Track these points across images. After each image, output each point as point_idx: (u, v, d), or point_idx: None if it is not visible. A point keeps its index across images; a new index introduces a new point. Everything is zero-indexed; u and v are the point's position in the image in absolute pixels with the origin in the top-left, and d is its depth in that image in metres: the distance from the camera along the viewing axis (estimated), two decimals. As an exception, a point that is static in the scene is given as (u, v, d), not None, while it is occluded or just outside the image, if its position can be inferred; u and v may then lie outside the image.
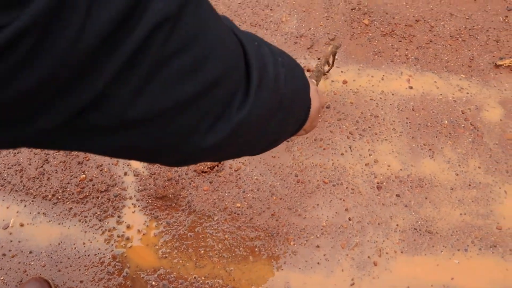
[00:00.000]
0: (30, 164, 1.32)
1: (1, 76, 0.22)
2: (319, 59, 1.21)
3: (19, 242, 1.23)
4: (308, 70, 1.45)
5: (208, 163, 1.30)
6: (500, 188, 1.28)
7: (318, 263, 1.18)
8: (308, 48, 1.51)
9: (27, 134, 0.28)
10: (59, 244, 1.22)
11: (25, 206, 1.27)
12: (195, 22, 0.31)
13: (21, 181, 1.30)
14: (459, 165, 1.31)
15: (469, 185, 1.28)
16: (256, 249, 1.20)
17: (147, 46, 0.28)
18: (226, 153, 0.46)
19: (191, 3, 0.31)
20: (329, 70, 1.40)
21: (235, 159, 1.32)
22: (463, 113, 1.40)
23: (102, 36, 0.25)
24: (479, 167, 1.31)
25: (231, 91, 0.38)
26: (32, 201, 1.27)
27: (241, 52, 0.40)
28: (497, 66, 1.49)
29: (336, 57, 1.44)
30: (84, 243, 1.22)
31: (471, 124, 1.38)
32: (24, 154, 1.34)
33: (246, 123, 0.40)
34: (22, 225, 1.25)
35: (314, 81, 1.03)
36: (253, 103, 0.40)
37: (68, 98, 0.26)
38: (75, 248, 1.22)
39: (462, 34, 1.56)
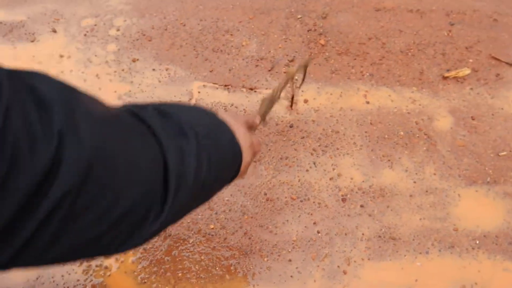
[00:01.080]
0: (2, 201, 1.33)
1: None
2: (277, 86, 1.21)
3: (-5, 280, 1.24)
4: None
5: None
6: (454, 192, 1.38)
7: (291, 276, 1.24)
8: (269, 70, 1.58)
9: None
10: (37, 279, 1.24)
11: (-1, 243, 1.28)
12: (101, 182, 0.36)
13: (-5, 219, 1.31)
14: (416, 173, 1.41)
15: (426, 191, 1.38)
16: (231, 268, 1.25)
17: (55, 213, 0.33)
18: (156, 235, 0.50)
19: (95, 168, 0.35)
20: (302, 81, 1.44)
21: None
22: (417, 124, 1.50)
23: (9, 219, 0.31)
24: (435, 174, 1.41)
25: (143, 213, 0.42)
26: (7, 237, 1.28)
27: (160, 163, 0.43)
28: (444, 77, 1.61)
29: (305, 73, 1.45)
30: (62, 276, 1.24)
31: (424, 134, 1.48)
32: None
33: (161, 226, 0.45)
34: (-2, 262, 1.25)
35: (258, 118, 0.93)
36: (168, 213, 0.44)
37: None
38: (53, 281, 1.24)
39: (411, 49, 1.68)
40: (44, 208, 0.32)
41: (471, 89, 1.59)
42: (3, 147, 0.29)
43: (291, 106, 1.49)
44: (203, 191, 0.52)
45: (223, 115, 0.63)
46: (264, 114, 0.98)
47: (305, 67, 1.35)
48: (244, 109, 1.49)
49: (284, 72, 1.58)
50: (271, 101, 1.04)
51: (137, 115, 0.46)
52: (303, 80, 1.44)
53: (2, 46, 1.62)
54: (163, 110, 0.50)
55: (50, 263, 0.38)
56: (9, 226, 0.31)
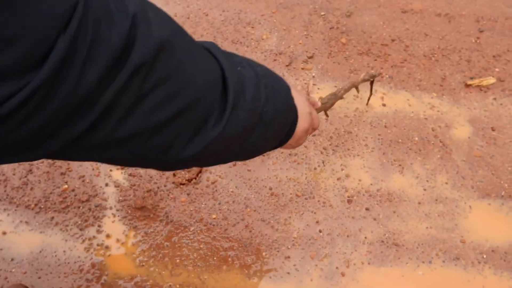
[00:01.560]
0: (14, 174, 1.37)
1: (21, 118, 0.32)
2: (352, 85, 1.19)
3: (1, 249, 1.27)
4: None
5: (186, 175, 1.35)
6: (465, 203, 1.34)
7: (288, 273, 1.23)
8: (287, 66, 1.57)
9: (44, 153, 0.37)
10: (40, 252, 1.27)
11: (8, 214, 1.32)
12: (168, 66, 0.40)
13: (5, 191, 1.35)
14: (427, 181, 1.37)
15: (436, 200, 1.34)
16: (229, 259, 1.25)
17: (128, 87, 0.37)
18: (209, 160, 0.54)
19: (163, 53, 0.39)
20: (368, 98, 1.45)
21: (219, 165, 1.37)
22: (433, 130, 1.46)
23: (93, 84, 0.34)
24: (446, 183, 1.37)
25: (205, 113, 0.46)
26: (15, 210, 1.32)
27: (219, 79, 0.48)
28: (467, 85, 1.56)
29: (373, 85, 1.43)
30: (64, 251, 1.27)
31: (440, 141, 1.44)
32: (8, 164, 1.39)
33: (221, 137, 0.48)
34: (4, 233, 1.29)
35: (319, 103, 0.94)
36: (227, 122, 0.47)
37: (69, 128, 0.36)
38: (55, 256, 1.26)
39: (435, 54, 1.63)
40: (120, 79, 0.36)
41: (495, 99, 1.54)
42: (86, 22, 0.33)
43: (368, 100, 1.47)
44: (259, 126, 0.53)
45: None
46: (325, 105, 1.00)
47: (372, 80, 1.30)
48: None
49: (302, 68, 1.57)
50: (334, 96, 1.05)
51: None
52: (369, 96, 1.42)
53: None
54: (225, 50, 0.54)
55: (118, 147, 0.41)
56: (91, 94, 0.35)
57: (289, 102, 0.60)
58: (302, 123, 0.64)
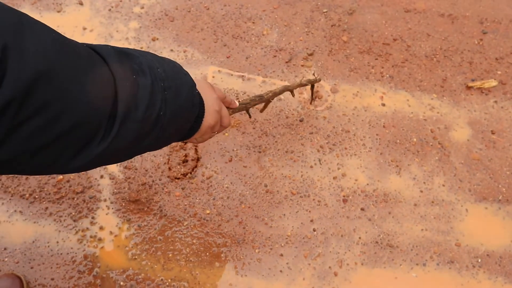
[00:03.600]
0: (9, 163, 1.37)
1: None
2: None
3: (-6, 238, 1.27)
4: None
5: (181, 170, 1.34)
6: (462, 206, 1.33)
7: (280, 271, 1.22)
8: (286, 62, 1.56)
9: None
10: (33, 242, 1.27)
11: (2, 204, 1.31)
12: (45, 95, 0.39)
13: (0, 180, 1.34)
14: (424, 182, 1.36)
15: (432, 202, 1.33)
16: (222, 255, 1.24)
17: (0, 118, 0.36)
18: (104, 164, 0.54)
19: (39, 83, 0.38)
20: (310, 101, 1.44)
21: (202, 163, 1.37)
22: (432, 132, 1.45)
23: None
24: (443, 185, 1.36)
25: (89, 133, 0.46)
26: (10, 199, 1.32)
27: (109, 95, 0.47)
28: (468, 87, 1.54)
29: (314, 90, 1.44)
30: (57, 242, 1.27)
31: (439, 143, 1.43)
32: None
33: (110, 149, 0.48)
34: (-2, 222, 1.29)
35: (236, 102, 0.90)
36: (116, 136, 0.48)
37: None
38: (48, 246, 1.26)
39: (437, 54, 1.62)
40: None
41: (496, 102, 1.52)
42: None
43: (311, 102, 1.45)
44: (155, 130, 0.54)
45: (199, 80, 0.67)
46: (247, 105, 1.00)
47: (312, 85, 1.31)
48: (256, 99, 1.48)
49: (302, 65, 1.56)
50: (259, 98, 1.05)
51: (95, 51, 0.50)
52: (311, 99, 1.41)
53: (29, 14, 1.65)
54: (124, 51, 0.54)
55: (2, 166, 0.42)
56: None
57: (193, 100, 0.61)
58: (207, 119, 0.66)
